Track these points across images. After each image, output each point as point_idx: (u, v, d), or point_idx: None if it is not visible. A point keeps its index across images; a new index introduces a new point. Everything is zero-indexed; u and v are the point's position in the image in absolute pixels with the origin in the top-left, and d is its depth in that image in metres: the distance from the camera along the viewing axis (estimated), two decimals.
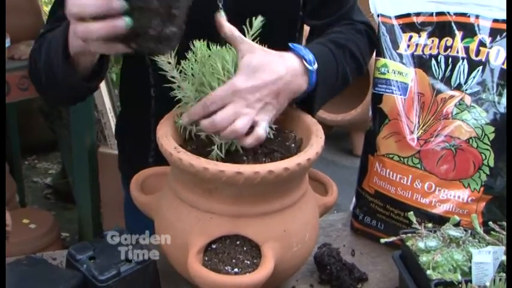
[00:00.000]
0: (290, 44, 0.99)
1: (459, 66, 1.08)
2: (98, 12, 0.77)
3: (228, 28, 0.92)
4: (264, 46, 0.94)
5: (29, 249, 2.17)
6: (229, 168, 0.83)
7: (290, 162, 0.85)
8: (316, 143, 0.92)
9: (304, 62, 0.96)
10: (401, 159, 1.11)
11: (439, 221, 1.07)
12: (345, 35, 1.13)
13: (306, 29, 1.25)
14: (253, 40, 0.93)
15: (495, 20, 1.06)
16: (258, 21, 0.92)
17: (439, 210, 1.08)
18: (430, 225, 1.04)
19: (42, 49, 1.03)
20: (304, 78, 0.97)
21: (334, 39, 1.10)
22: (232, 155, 0.92)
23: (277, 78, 0.92)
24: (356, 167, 1.25)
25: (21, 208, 2.79)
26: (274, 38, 0.95)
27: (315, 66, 0.98)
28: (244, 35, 0.95)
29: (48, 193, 3.37)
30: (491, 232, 1.00)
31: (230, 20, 1.09)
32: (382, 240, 1.03)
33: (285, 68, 0.93)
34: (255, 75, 0.90)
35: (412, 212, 1.05)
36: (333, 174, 1.12)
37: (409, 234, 1.01)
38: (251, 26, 0.94)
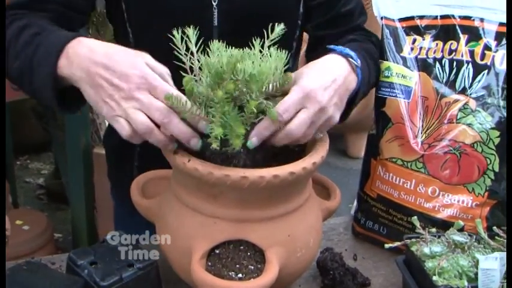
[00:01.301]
0: (329, 46, 0.99)
1: (464, 70, 1.07)
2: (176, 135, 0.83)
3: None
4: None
5: (23, 251, 2.16)
6: (234, 172, 0.81)
7: (296, 166, 0.84)
8: (321, 147, 0.91)
9: (351, 59, 0.96)
10: (405, 163, 1.10)
11: (443, 225, 1.06)
12: (367, 45, 1.13)
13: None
14: (271, 46, 0.90)
15: (501, 24, 1.05)
16: (279, 28, 0.89)
17: (442, 215, 1.08)
18: (433, 230, 1.03)
19: (20, 40, 0.95)
20: (353, 76, 0.96)
21: (365, 48, 1.09)
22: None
23: (336, 77, 0.91)
24: (349, 169, 1.26)
25: (14, 209, 2.75)
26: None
27: (359, 61, 0.97)
28: (242, 35, 0.93)
29: (41, 194, 3.34)
30: (496, 237, 0.99)
31: (224, 21, 1.07)
32: (387, 246, 1.02)
33: (337, 67, 0.93)
34: (319, 77, 0.88)
35: (415, 217, 1.04)
36: (326, 175, 1.10)
37: (413, 239, 1.00)
38: (252, 27, 0.91)
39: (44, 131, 3.30)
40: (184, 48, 0.89)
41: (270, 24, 0.97)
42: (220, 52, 0.86)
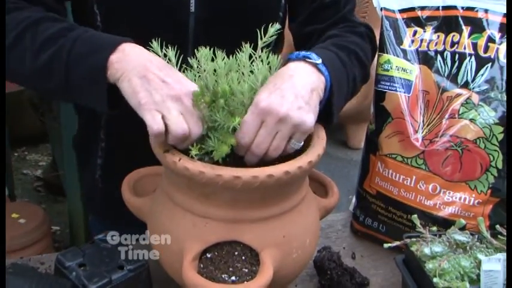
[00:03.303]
0: (288, 56, 0.93)
1: (466, 63, 1.04)
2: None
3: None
4: (240, 46, 0.87)
5: (18, 245, 2.14)
6: (227, 172, 0.78)
7: (291, 166, 0.81)
8: (317, 144, 0.87)
9: (308, 59, 0.90)
10: (405, 159, 1.07)
11: (444, 224, 1.03)
12: (346, 38, 1.06)
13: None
14: (266, 47, 0.87)
15: (506, 15, 1.01)
16: (274, 29, 0.86)
17: (443, 213, 1.05)
18: (434, 228, 1.00)
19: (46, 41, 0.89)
20: (317, 75, 0.90)
21: (336, 42, 1.03)
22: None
23: (293, 82, 0.85)
24: (350, 159, 1.23)
25: (10, 202, 2.73)
26: (250, 38, 0.88)
27: (320, 60, 0.91)
28: (220, 21, 0.93)
29: (39, 185, 3.32)
30: (499, 236, 0.96)
31: (201, 6, 1.03)
32: (386, 245, 0.99)
33: (294, 72, 0.87)
34: (273, 88, 0.83)
35: (416, 215, 1.01)
36: (326, 166, 1.08)
37: (414, 239, 0.97)
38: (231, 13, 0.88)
39: (41, 122, 3.27)
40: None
41: (251, 15, 0.94)
42: (206, 64, 0.83)
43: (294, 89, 0.84)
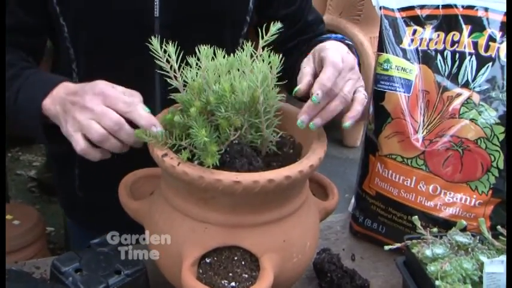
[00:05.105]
0: (321, 37, 1.01)
1: (467, 63, 1.02)
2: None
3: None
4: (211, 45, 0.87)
5: (13, 247, 2.11)
6: (227, 176, 0.76)
7: (291, 170, 0.79)
8: (318, 148, 0.86)
9: (345, 40, 0.98)
10: (405, 160, 1.06)
11: (444, 225, 1.02)
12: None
13: None
14: (266, 47, 0.87)
15: (506, 14, 1.00)
16: (275, 28, 0.85)
17: (444, 213, 1.04)
18: (435, 229, 0.99)
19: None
20: (352, 56, 0.94)
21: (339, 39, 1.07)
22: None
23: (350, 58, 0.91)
24: (346, 158, 1.21)
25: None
26: (216, 41, 0.88)
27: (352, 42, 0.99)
28: (184, 26, 0.96)
29: (33, 186, 3.29)
30: (500, 237, 0.96)
31: (165, 12, 1.03)
32: (387, 248, 0.97)
33: (345, 50, 0.92)
34: (340, 51, 0.89)
35: (416, 217, 1.00)
36: (322, 165, 1.06)
37: (414, 240, 0.96)
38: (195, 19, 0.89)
39: None
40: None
41: (216, 20, 0.99)
42: (206, 62, 0.82)
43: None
